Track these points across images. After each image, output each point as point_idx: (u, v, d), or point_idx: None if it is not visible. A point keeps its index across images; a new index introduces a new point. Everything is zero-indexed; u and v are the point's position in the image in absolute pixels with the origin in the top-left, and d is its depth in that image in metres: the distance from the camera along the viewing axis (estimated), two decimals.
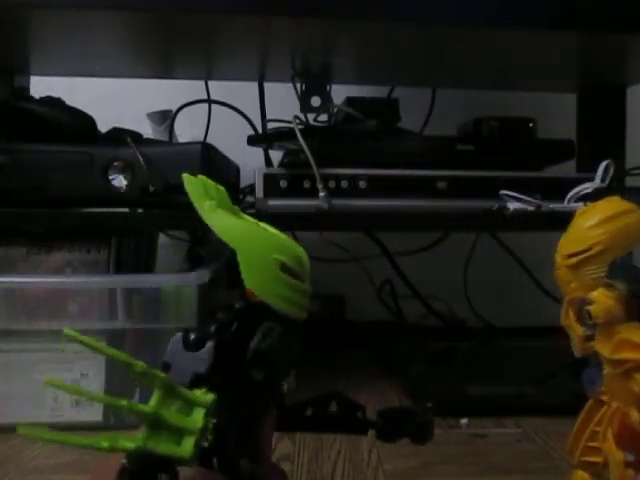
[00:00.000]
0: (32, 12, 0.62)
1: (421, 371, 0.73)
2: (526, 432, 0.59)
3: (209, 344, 0.24)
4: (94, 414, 0.60)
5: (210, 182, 0.28)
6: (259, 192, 0.69)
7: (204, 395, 0.24)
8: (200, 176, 0.27)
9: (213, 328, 0.25)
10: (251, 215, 0.29)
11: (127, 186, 0.65)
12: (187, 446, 0.23)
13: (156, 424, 0.23)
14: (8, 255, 0.66)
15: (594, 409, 0.35)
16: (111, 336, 0.61)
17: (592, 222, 0.33)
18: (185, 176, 0.27)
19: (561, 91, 0.97)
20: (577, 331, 0.34)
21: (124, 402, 0.22)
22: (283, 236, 0.28)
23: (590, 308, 0.32)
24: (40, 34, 0.71)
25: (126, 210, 0.68)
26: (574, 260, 0.33)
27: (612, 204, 0.33)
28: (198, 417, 0.24)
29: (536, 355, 0.77)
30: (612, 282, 0.32)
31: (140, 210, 0.67)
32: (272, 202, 0.69)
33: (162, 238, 0.91)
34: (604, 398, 0.34)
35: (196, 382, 0.24)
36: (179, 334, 0.25)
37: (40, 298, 0.61)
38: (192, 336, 0.25)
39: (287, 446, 0.56)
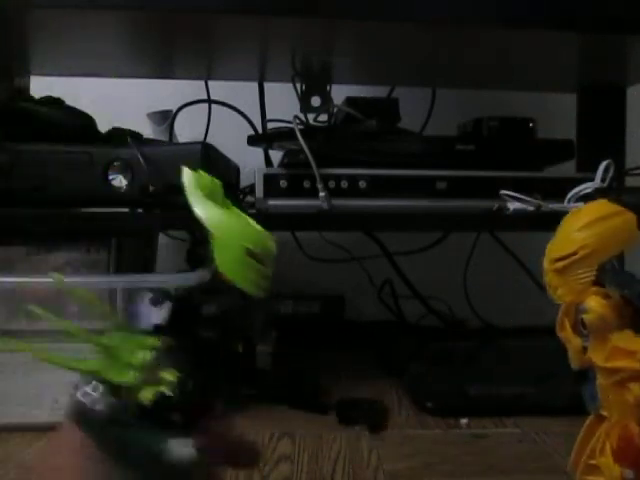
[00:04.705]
0: (32, 12, 0.62)
1: (421, 371, 0.73)
2: (526, 432, 0.59)
3: (167, 303, 0.31)
4: None
5: (205, 176, 0.32)
6: (259, 192, 0.69)
7: (153, 340, 0.30)
8: (199, 170, 0.32)
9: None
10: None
11: (127, 186, 0.65)
12: (130, 377, 0.29)
13: (108, 355, 0.29)
14: (8, 255, 0.65)
15: (595, 425, 0.34)
16: None
17: (578, 225, 0.32)
18: (184, 169, 0.31)
19: (561, 91, 0.97)
20: (574, 342, 0.33)
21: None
22: (256, 227, 0.32)
23: (585, 317, 0.31)
24: (40, 34, 0.71)
25: (126, 210, 0.68)
26: (561, 264, 0.32)
27: (599, 207, 0.32)
28: (144, 355, 0.29)
29: (536, 355, 0.77)
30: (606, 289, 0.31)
31: (140, 210, 0.67)
32: (272, 202, 0.69)
33: (162, 238, 0.91)
34: (604, 413, 0.33)
35: (155, 331, 0.30)
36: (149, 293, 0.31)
37: (40, 298, 0.61)
38: (155, 295, 0.31)
39: (287, 446, 0.56)
